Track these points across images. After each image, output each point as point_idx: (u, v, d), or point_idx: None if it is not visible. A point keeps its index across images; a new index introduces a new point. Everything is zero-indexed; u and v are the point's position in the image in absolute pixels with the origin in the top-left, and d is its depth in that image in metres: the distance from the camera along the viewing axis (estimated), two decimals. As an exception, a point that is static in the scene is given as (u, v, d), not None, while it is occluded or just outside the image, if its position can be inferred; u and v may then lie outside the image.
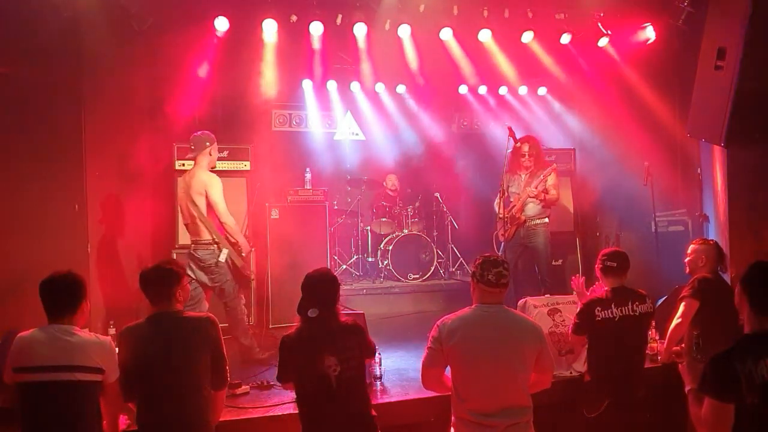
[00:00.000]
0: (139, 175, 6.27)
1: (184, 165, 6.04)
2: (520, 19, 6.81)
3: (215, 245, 4.75)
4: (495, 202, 5.86)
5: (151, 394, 2.77)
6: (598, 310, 3.51)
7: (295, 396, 2.89)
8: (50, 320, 2.74)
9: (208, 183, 4.74)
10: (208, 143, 4.83)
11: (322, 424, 2.78)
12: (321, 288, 2.90)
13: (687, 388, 2.30)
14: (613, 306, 3.50)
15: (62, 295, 2.74)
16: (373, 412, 2.91)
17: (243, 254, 4.87)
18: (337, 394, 2.74)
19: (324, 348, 2.76)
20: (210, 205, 4.73)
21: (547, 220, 5.69)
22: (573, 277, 4.12)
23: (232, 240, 4.82)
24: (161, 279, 2.87)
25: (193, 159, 4.88)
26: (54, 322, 2.73)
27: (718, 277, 3.90)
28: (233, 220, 4.84)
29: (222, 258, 4.76)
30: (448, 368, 2.86)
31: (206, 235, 4.75)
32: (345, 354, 2.78)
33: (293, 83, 8.02)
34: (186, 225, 4.94)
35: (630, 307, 3.51)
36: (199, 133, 4.91)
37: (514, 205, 5.64)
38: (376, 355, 4.12)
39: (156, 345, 2.77)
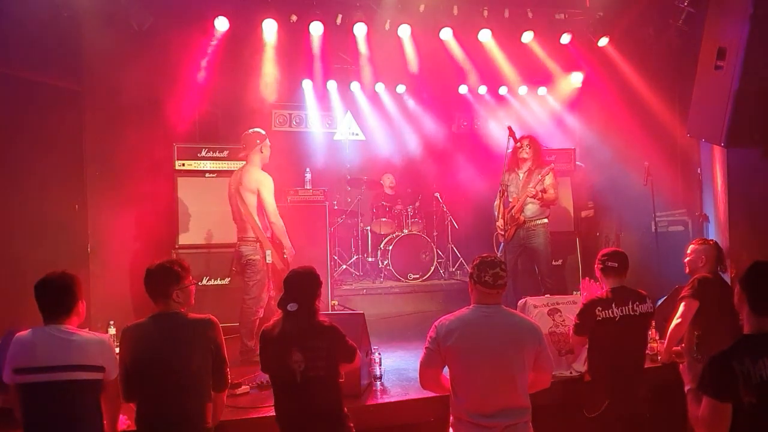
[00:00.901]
0: (139, 175, 6.27)
1: (184, 165, 6.04)
2: (520, 19, 6.82)
3: (258, 243, 4.82)
4: (494, 204, 5.84)
5: (150, 395, 2.76)
6: (598, 310, 3.51)
7: None
8: (46, 321, 2.73)
9: (262, 181, 4.81)
10: (258, 141, 4.90)
11: (288, 416, 2.84)
12: (301, 284, 2.94)
13: (686, 388, 2.31)
14: (613, 306, 3.50)
15: (57, 296, 2.73)
16: (345, 410, 2.92)
17: (285, 256, 4.92)
18: (300, 390, 2.78)
19: (293, 342, 2.80)
20: (258, 204, 4.83)
21: (546, 220, 5.68)
22: (583, 281, 4.12)
23: (277, 241, 4.88)
24: (159, 276, 2.85)
25: (245, 158, 4.96)
26: (50, 322, 2.72)
27: (718, 277, 3.90)
28: (282, 222, 4.88)
29: (268, 259, 4.82)
30: (447, 368, 2.86)
31: (251, 233, 4.82)
32: (312, 353, 2.80)
33: (293, 83, 8.03)
34: (234, 221, 5.01)
35: (630, 307, 3.51)
36: (249, 131, 4.98)
37: (513, 206, 5.63)
38: (376, 354, 4.13)
39: (157, 345, 2.77)
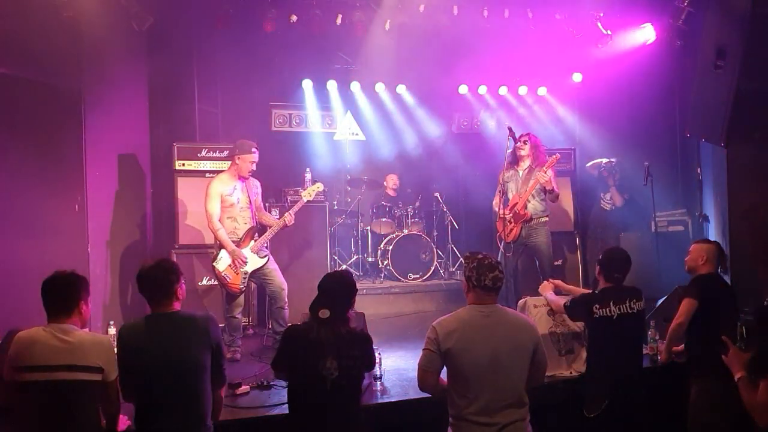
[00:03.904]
0: (139, 175, 6.27)
1: (184, 165, 6.04)
2: (520, 19, 6.82)
3: (213, 249, 5.03)
4: (494, 202, 5.82)
5: (149, 394, 2.75)
6: (596, 308, 3.51)
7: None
8: (49, 320, 2.74)
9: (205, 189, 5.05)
10: (237, 151, 5.04)
11: (309, 423, 2.78)
12: (337, 292, 2.89)
13: (737, 377, 2.38)
14: (611, 304, 3.51)
15: (60, 295, 2.74)
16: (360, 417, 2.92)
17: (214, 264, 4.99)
18: (329, 398, 2.74)
19: (327, 350, 2.75)
20: (222, 209, 4.98)
21: (547, 218, 5.66)
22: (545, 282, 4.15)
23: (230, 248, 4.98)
24: (162, 278, 2.83)
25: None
26: (53, 321, 2.72)
27: (718, 277, 3.89)
28: (215, 227, 4.93)
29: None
30: (444, 369, 2.85)
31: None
32: (347, 361, 2.76)
33: (293, 83, 8.04)
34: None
35: (628, 304, 3.52)
36: (239, 141, 5.14)
37: (516, 203, 5.59)
38: (376, 354, 4.13)
39: (154, 344, 2.75)
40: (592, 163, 7.24)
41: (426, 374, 2.85)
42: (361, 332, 2.92)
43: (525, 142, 5.63)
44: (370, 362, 2.97)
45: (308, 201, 5.29)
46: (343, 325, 2.85)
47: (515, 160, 5.69)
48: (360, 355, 2.83)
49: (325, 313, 2.80)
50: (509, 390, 2.72)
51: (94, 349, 2.70)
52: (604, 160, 7.12)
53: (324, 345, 2.75)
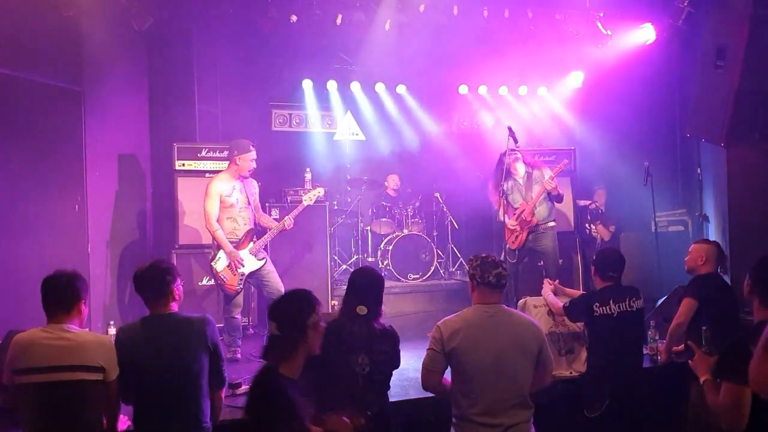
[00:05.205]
0: (139, 175, 6.27)
1: (184, 165, 6.03)
2: (520, 19, 6.81)
3: (211, 249, 5.02)
4: (499, 213, 5.80)
5: (148, 396, 2.76)
6: (596, 306, 3.52)
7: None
8: (48, 320, 2.73)
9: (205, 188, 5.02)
10: (236, 152, 5.01)
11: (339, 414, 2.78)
12: (372, 288, 2.93)
13: (702, 380, 2.38)
14: (611, 302, 3.51)
15: (57, 295, 2.73)
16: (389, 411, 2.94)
17: (221, 265, 4.95)
18: (361, 394, 2.74)
19: (360, 346, 2.77)
20: (222, 209, 4.95)
21: (554, 223, 5.70)
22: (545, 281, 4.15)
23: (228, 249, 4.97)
24: (158, 279, 2.84)
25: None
26: (52, 321, 2.72)
27: (718, 277, 3.90)
28: (213, 227, 4.90)
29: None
30: (448, 369, 2.85)
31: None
32: (378, 357, 2.79)
33: (293, 83, 8.03)
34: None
35: (627, 303, 3.53)
36: (235, 140, 5.15)
37: (523, 210, 5.61)
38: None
39: (151, 346, 2.75)
40: (580, 202, 7.20)
41: (430, 374, 2.86)
42: (390, 328, 2.94)
43: (521, 158, 5.69)
44: (397, 360, 2.98)
45: (308, 205, 5.29)
46: (377, 320, 2.88)
47: (509, 173, 5.70)
48: (390, 350, 2.87)
49: (363, 310, 2.83)
50: (513, 391, 2.72)
51: (96, 349, 2.69)
52: (588, 202, 7.11)
53: (357, 340, 2.78)
